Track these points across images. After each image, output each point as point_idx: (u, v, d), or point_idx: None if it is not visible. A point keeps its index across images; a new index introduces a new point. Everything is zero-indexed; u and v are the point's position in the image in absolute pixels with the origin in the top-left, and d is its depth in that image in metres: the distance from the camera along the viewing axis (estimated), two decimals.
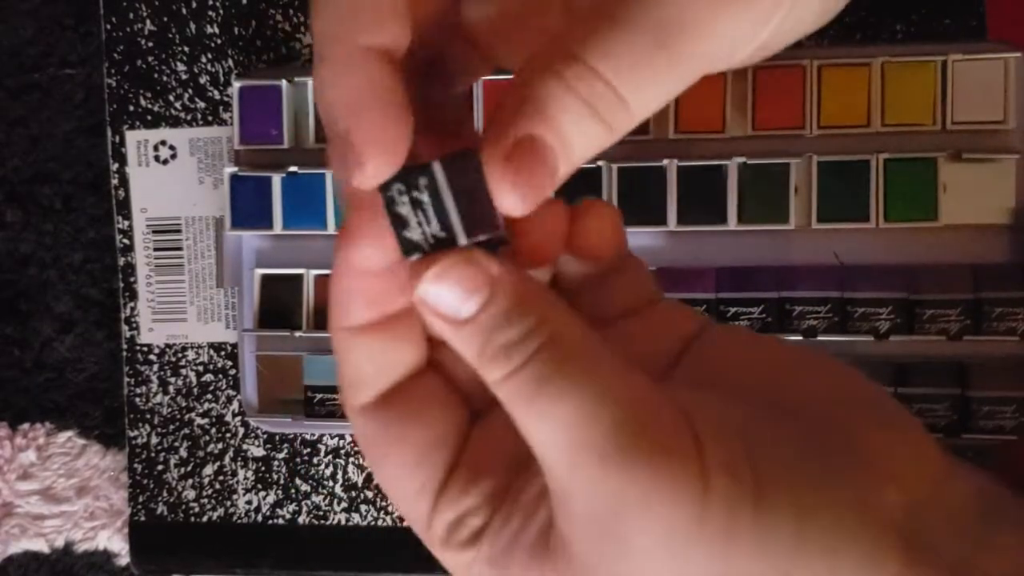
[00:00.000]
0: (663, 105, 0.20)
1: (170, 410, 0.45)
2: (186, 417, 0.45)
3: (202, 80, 0.44)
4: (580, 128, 0.19)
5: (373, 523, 0.44)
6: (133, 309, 0.45)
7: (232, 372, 0.45)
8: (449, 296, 0.19)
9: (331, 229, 0.40)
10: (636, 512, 0.18)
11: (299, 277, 0.41)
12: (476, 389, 0.22)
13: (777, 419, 0.20)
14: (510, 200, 0.19)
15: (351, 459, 0.44)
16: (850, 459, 0.19)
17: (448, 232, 0.19)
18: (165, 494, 0.45)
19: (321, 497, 0.44)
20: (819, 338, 0.38)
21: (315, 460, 0.44)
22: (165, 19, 0.44)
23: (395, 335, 0.22)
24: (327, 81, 0.19)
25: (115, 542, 0.47)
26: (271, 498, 0.45)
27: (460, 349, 0.20)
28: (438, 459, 0.22)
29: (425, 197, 0.19)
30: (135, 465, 0.46)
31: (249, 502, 0.45)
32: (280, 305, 0.42)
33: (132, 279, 0.45)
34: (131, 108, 0.45)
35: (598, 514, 0.18)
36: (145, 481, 0.46)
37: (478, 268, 0.19)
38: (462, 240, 0.19)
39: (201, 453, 0.45)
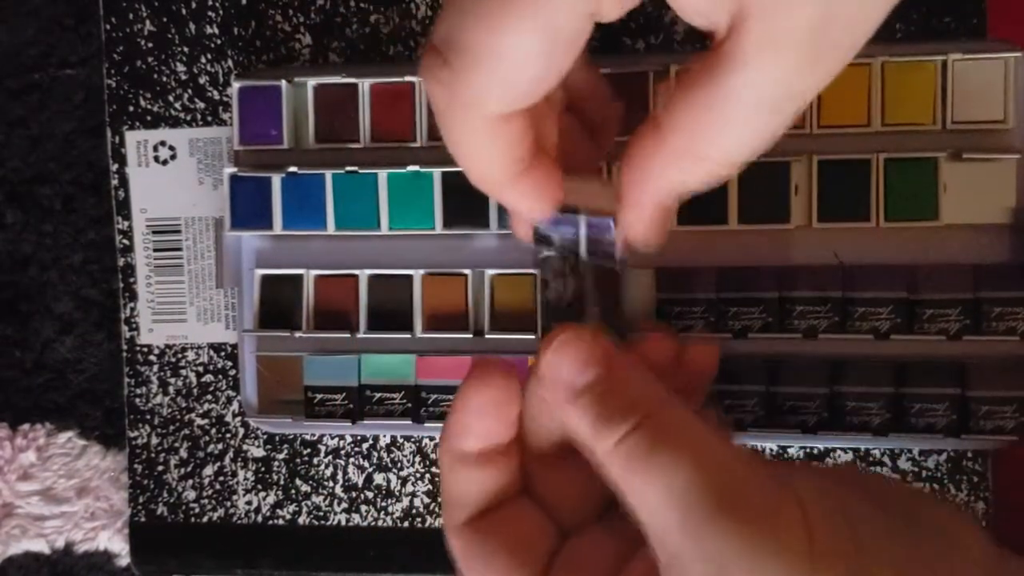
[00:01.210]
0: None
1: (170, 411, 0.45)
2: (186, 418, 0.45)
3: (202, 80, 0.44)
4: (697, 188, 0.24)
5: (373, 523, 0.44)
6: (133, 310, 0.45)
7: (232, 373, 0.45)
8: (569, 367, 0.22)
9: (331, 229, 0.40)
10: (747, 571, 0.19)
11: (299, 277, 0.41)
12: (565, 511, 0.25)
13: (864, 499, 0.21)
14: (650, 241, 0.25)
15: (351, 459, 0.44)
16: (940, 540, 0.21)
17: (579, 297, 0.23)
18: (165, 495, 0.45)
19: (321, 497, 0.44)
20: (819, 338, 0.38)
21: (315, 461, 0.44)
22: (165, 19, 0.44)
23: (497, 465, 0.24)
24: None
25: (115, 543, 0.47)
26: (271, 499, 0.45)
27: (575, 422, 0.22)
28: (530, 574, 0.24)
29: (567, 269, 0.23)
30: (135, 466, 0.46)
31: (249, 503, 0.45)
32: (280, 306, 0.42)
33: (132, 280, 0.45)
34: (131, 108, 0.45)
35: (713, 571, 0.19)
36: (145, 482, 0.46)
37: (594, 343, 0.23)
38: (590, 312, 0.24)
39: (201, 454, 0.45)
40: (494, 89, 0.21)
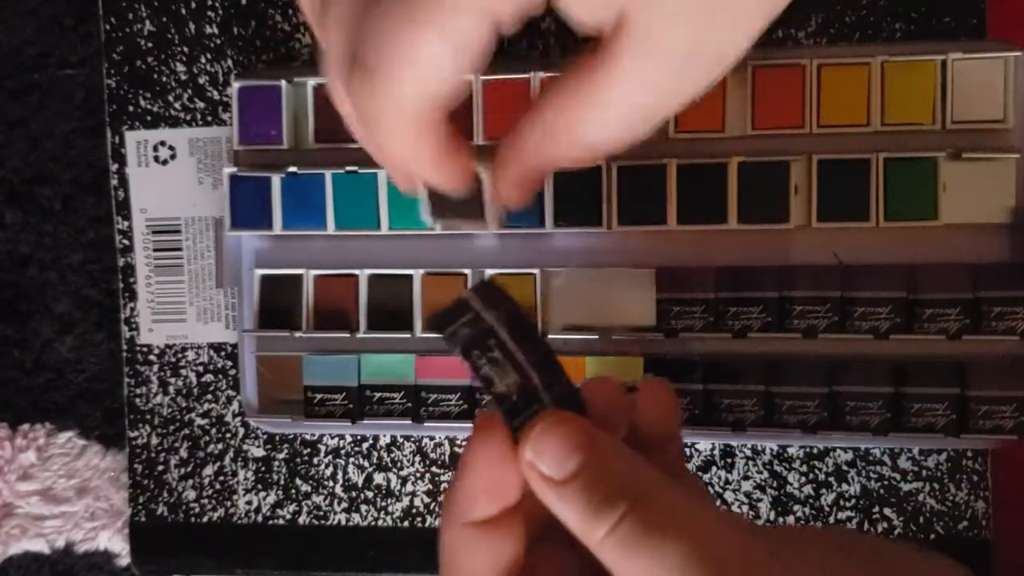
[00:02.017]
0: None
1: (170, 410, 0.45)
2: (186, 417, 0.45)
3: (201, 80, 0.44)
4: (567, 163, 0.25)
5: (373, 523, 0.44)
6: (133, 309, 0.45)
7: (232, 372, 0.45)
8: (552, 457, 0.22)
9: (331, 229, 0.40)
10: None
11: (299, 277, 0.41)
12: None
13: (846, 557, 0.22)
14: (515, 201, 0.27)
15: (351, 459, 0.44)
16: None
17: (526, 380, 0.23)
18: (165, 494, 0.45)
19: (321, 497, 0.44)
20: (819, 338, 0.38)
21: (315, 460, 0.44)
22: (164, 19, 0.44)
23: (509, 530, 0.24)
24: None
25: (115, 542, 0.47)
26: (271, 498, 0.45)
27: (563, 511, 0.22)
28: None
29: (498, 354, 0.23)
30: (135, 465, 0.46)
31: (249, 502, 0.45)
32: (280, 305, 0.42)
33: (132, 279, 0.45)
34: (131, 108, 0.45)
35: None
36: (145, 481, 0.46)
37: (575, 428, 0.22)
38: (543, 395, 0.23)
39: (201, 453, 0.45)
40: (417, 92, 0.23)
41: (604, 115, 0.23)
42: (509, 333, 0.23)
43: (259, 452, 0.45)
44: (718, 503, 0.42)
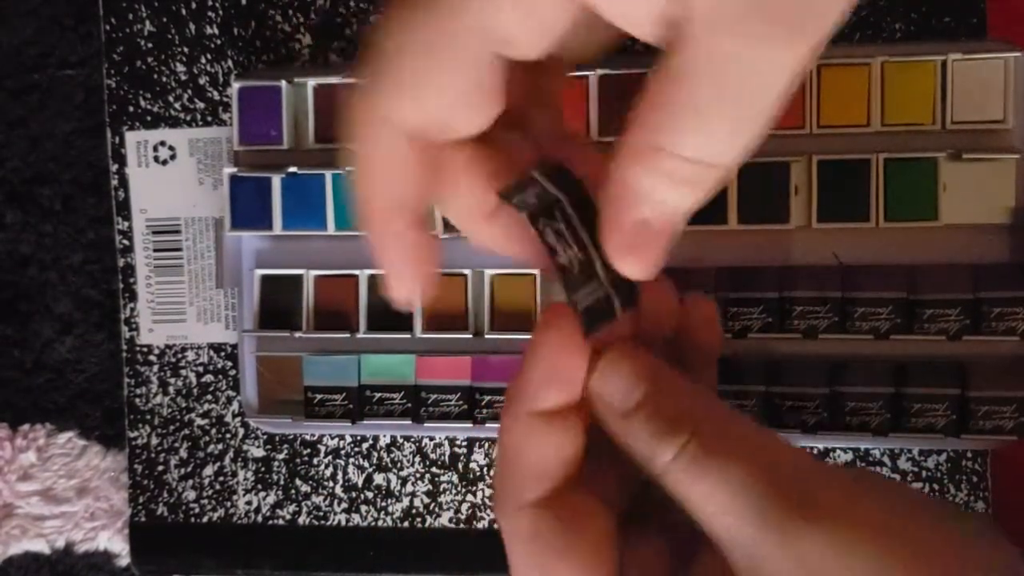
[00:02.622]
0: (749, 141, 0.20)
1: (170, 411, 0.45)
2: (186, 418, 0.45)
3: (201, 81, 0.44)
4: (679, 195, 0.21)
5: (373, 523, 0.44)
6: (133, 310, 0.45)
7: (232, 373, 0.45)
8: (618, 388, 0.23)
9: (331, 230, 0.40)
10: (839, 568, 0.19)
11: (299, 278, 0.41)
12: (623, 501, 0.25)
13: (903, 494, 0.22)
14: (638, 273, 0.22)
15: (351, 460, 0.44)
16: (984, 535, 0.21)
17: (587, 256, 0.22)
18: (165, 495, 0.45)
19: (321, 498, 0.44)
20: (819, 338, 0.38)
21: (315, 461, 0.44)
22: (165, 20, 0.44)
23: (575, 425, 0.23)
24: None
25: (115, 543, 0.47)
26: (271, 499, 0.45)
27: (628, 440, 0.22)
28: (611, 558, 0.23)
29: (562, 226, 0.22)
30: (135, 466, 0.46)
31: (249, 503, 0.45)
32: (280, 306, 0.42)
33: (132, 280, 0.45)
34: (131, 109, 0.45)
35: (795, 567, 0.20)
36: (145, 482, 0.46)
37: (640, 359, 0.23)
38: (602, 274, 0.22)
39: (201, 454, 0.45)
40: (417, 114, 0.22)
41: (695, 111, 0.19)
42: (574, 209, 0.22)
43: (259, 452, 0.45)
44: None
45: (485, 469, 0.43)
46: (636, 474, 0.23)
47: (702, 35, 0.18)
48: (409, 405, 0.41)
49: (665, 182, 0.20)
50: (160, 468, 0.45)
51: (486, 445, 0.43)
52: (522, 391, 0.23)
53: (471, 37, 0.20)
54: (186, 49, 0.44)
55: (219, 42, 0.44)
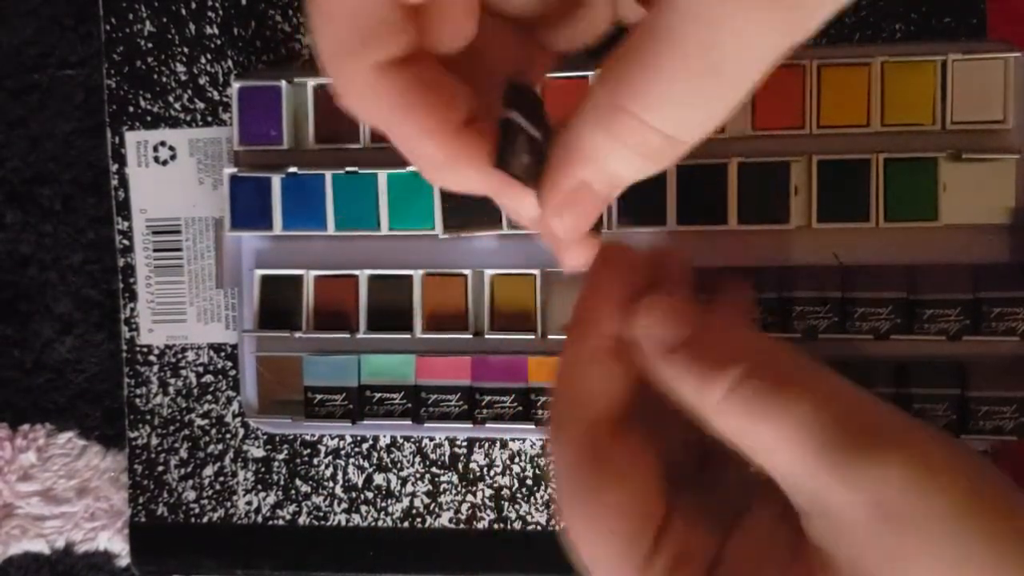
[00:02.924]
0: (716, 124, 0.19)
1: (170, 411, 0.45)
2: (186, 418, 0.45)
3: (201, 81, 0.44)
4: (631, 167, 0.20)
5: (373, 524, 0.44)
6: (133, 310, 0.45)
7: (232, 373, 0.45)
8: (662, 325, 0.22)
9: (331, 230, 0.40)
10: (910, 503, 0.18)
11: (299, 278, 0.41)
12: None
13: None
14: (562, 231, 0.21)
15: (351, 460, 0.44)
16: None
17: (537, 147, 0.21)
18: (165, 495, 0.45)
19: (321, 498, 0.44)
20: (819, 338, 0.38)
21: (315, 461, 0.44)
22: (165, 20, 0.44)
23: (629, 363, 0.23)
24: (356, 109, 0.20)
25: (115, 543, 0.47)
26: (271, 499, 0.45)
27: (674, 379, 0.21)
28: (655, 501, 0.23)
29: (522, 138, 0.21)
30: (135, 466, 0.46)
31: (249, 503, 0.45)
32: (280, 306, 0.42)
33: (132, 280, 0.45)
34: (131, 109, 0.45)
35: (867, 504, 0.19)
36: (145, 482, 0.46)
37: (681, 302, 0.22)
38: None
39: (201, 454, 0.45)
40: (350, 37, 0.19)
41: (669, 74, 0.18)
42: (537, 128, 0.21)
43: (259, 452, 0.45)
44: None
45: (485, 469, 0.43)
46: (683, 440, 0.23)
47: None
48: (409, 405, 0.41)
49: (622, 151, 0.19)
50: (160, 468, 0.45)
51: (486, 445, 0.43)
52: (585, 321, 0.23)
53: None
54: (186, 49, 0.44)
55: (219, 42, 0.44)
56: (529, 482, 0.43)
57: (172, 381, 0.45)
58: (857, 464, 0.19)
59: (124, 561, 0.47)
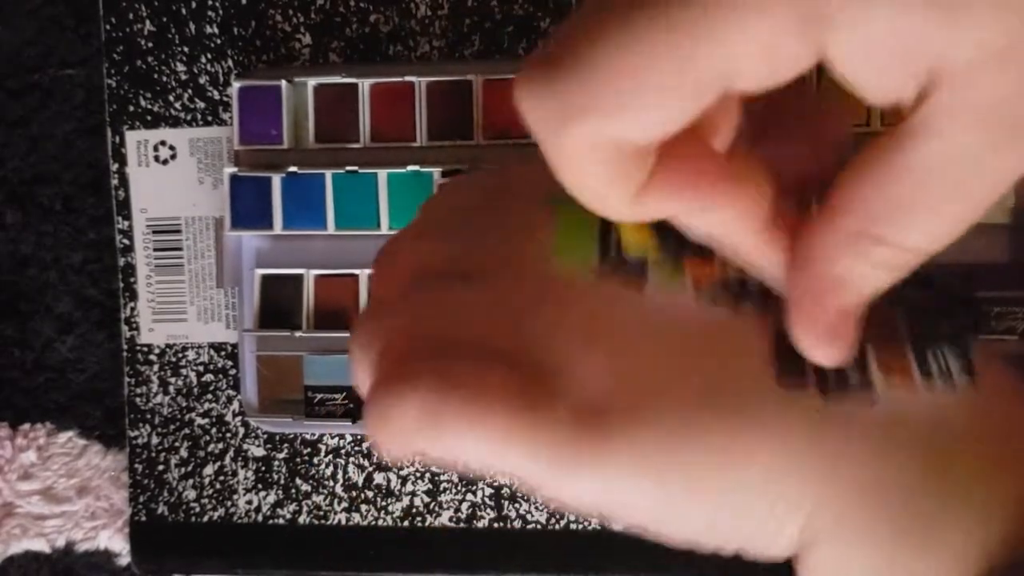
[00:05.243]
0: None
1: (170, 410, 0.45)
2: (186, 417, 0.45)
3: (202, 80, 0.44)
4: (885, 283, 0.20)
5: (373, 523, 0.44)
6: (133, 309, 0.45)
7: (232, 372, 0.45)
8: None
9: (331, 229, 0.40)
10: None
11: (299, 277, 0.41)
12: None
13: None
14: (834, 359, 0.20)
15: (351, 459, 0.44)
16: None
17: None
18: (166, 494, 0.45)
19: (321, 497, 0.44)
20: None
21: (315, 460, 0.44)
22: (165, 19, 0.44)
23: None
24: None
25: (116, 542, 0.47)
26: (271, 498, 0.45)
27: None
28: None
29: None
30: (136, 465, 0.46)
31: (249, 502, 0.45)
32: (280, 305, 0.42)
33: (132, 279, 0.45)
34: (131, 108, 0.45)
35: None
36: (146, 481, 0.46)
37: None
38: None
39: (201, 453, 0.45)
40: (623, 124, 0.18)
41: (919, 201, 0.18)
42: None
43: (259, 452, 0.45)
44: None
45: None
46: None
47: (946, 127, 0.17)
48: None
49: (874, 271, 0.19)
50: (160, 467, 0.46)
51: None
52: None
53: (708, 64, 0.17)
54: (186, 49, 0.44)
55: (219, 42, 0.44)
56: None
57: (172, 380, 0.45)
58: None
59: (124, 560, 0.47)
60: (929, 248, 0.19)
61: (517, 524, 0.43)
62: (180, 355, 0.45)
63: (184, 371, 0.45)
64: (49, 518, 0.47)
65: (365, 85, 0.40)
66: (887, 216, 0.19)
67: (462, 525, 0.44)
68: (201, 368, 0.45)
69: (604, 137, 0.18)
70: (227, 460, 0.45)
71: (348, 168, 0.40)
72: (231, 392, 0.45)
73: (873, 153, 0.19)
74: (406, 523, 0.44)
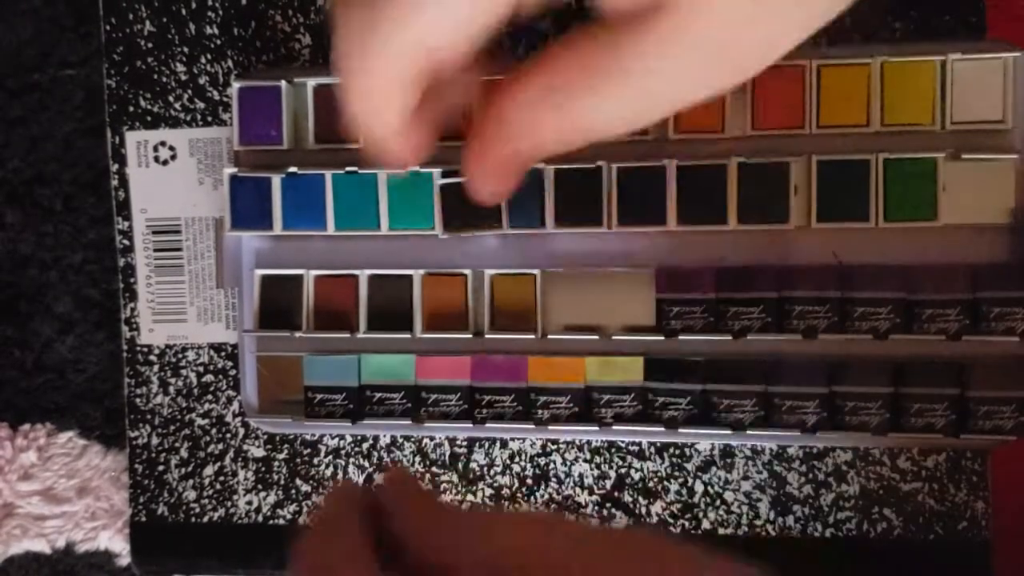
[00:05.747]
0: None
1: (171, 411, 0.45)
2: (186, 418, 0.45)
3: (201, 81, 0.44)
4: (565, 146, 0.22)
5: None
6: (133, 310, 0.45)
7: (232, 373, 0.45)
8: None
9: (331, 230, 0.40)
10: None
11: (299, 278, 0.41)
12: None
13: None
14: (491, 196, 0.24)
15: (351, 459, 0.44)
16: None
17: None
18: (166, 495, 0.46)
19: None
20: (818, 338, 0.38)
21: (315, 460, 0.44)
22: (165, 20, 0.44)
23: None
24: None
25: (116, 542, 0.47)
26: (272, 498, 0.45)
27: None
28: None
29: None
30: (136, 465, 0.46)
31: (250, 502, 0.45)
32: (280, 306, 0.42)
33: (132, 280, 0.45)
34: (131, 109, 0.45)
35: None
36: (146, 481, 0.46)
37: None
38: None
39: (202, 454, 0.45)
40: (410, 39, 0.21)
41: (613, 97, 0.20)
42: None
43: (259, 452, 0.45)
44: (717, 503, 0.42)
45: (485, 469, 0.44)
46: None
47: (686, 13, 0.19)
48: (409, 405, 0.41)
49: (554, 138, 0.21)
50: (160, 468, 0.46)
51: (486, 445, 0.43)
52: None
53: None
54: (186, 49, 0.44)
55: (219, 42, 0.44)
56: (529, 481, 0.43)
57: (172, 381, 0.45)
58: None
59: (124, 560, 0.47)
60: (600, 132, 0.21)
61: None
62: (180, 355, 0.45)
63: (184, 371, 0.45)
64: (49, 518, 0.47)
65: None
66: (578, 96, 0.21)
67: None
68: (201, 368, 0.45)
69: (408, 44, 0.20)
70: (227, 461, 0.45)
71: (348, 168, 0.40)
72: (231, 393, 0.45)
73: (582, 40, 0.21)
74: None
